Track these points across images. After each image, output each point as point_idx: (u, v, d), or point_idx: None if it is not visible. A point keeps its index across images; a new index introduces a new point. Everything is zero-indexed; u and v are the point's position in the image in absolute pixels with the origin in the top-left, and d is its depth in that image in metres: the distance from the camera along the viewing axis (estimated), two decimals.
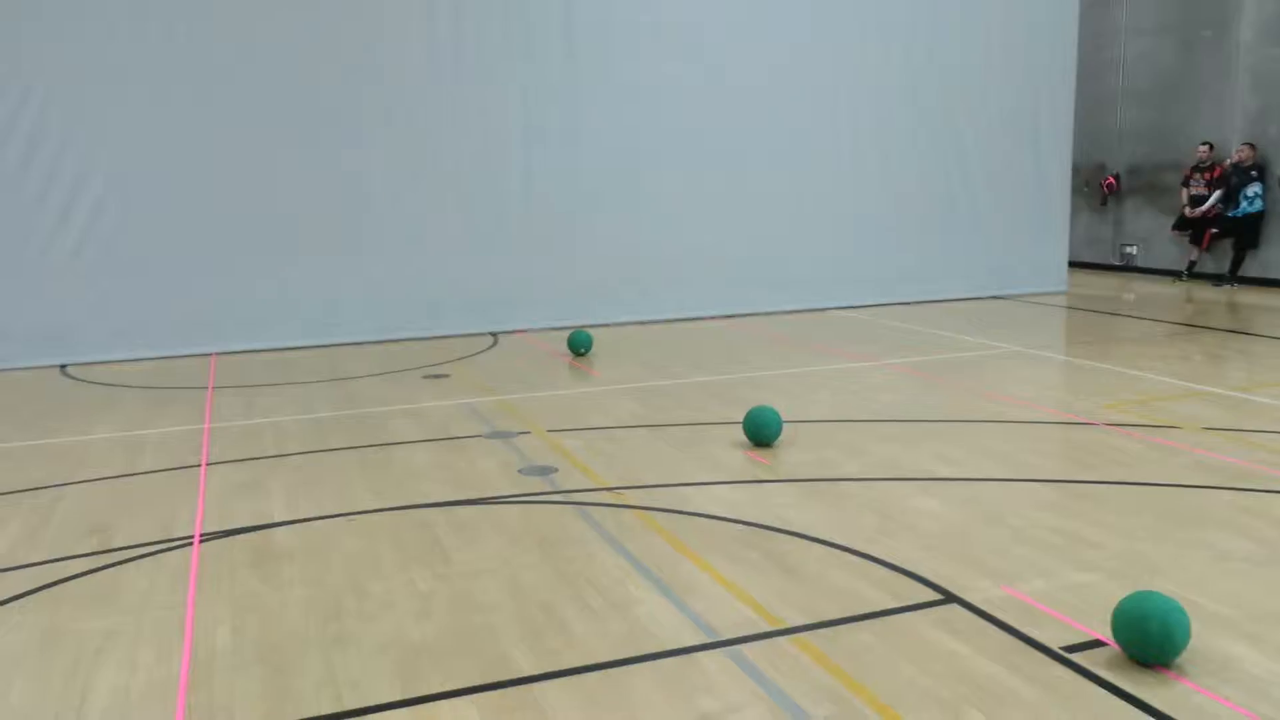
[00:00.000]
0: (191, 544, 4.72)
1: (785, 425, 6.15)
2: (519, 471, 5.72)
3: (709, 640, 3.62)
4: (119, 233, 9.41)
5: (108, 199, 9.35)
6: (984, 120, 12.51)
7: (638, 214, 11.11)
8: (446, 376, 8.50)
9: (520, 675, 3.41)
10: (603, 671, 3.43)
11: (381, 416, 7.12)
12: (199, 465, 6.02)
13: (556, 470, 5.72)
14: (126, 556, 4.59)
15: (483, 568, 4.34)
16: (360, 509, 5.15)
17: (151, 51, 9.33)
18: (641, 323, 11.13)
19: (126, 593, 4.20)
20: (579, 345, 9.22)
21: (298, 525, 4.94)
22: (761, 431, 6.05)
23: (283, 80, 9.75)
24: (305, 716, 3.20)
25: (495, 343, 10.20)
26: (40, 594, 4.21)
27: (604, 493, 5.30)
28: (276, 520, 5.01)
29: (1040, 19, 12.65)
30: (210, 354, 9.72)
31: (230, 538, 4.79)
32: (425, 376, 8.52)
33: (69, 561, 4.55)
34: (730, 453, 6.01)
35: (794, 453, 5.96)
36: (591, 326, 10.12)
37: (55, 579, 4.35)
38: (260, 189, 9.77)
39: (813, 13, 11.59)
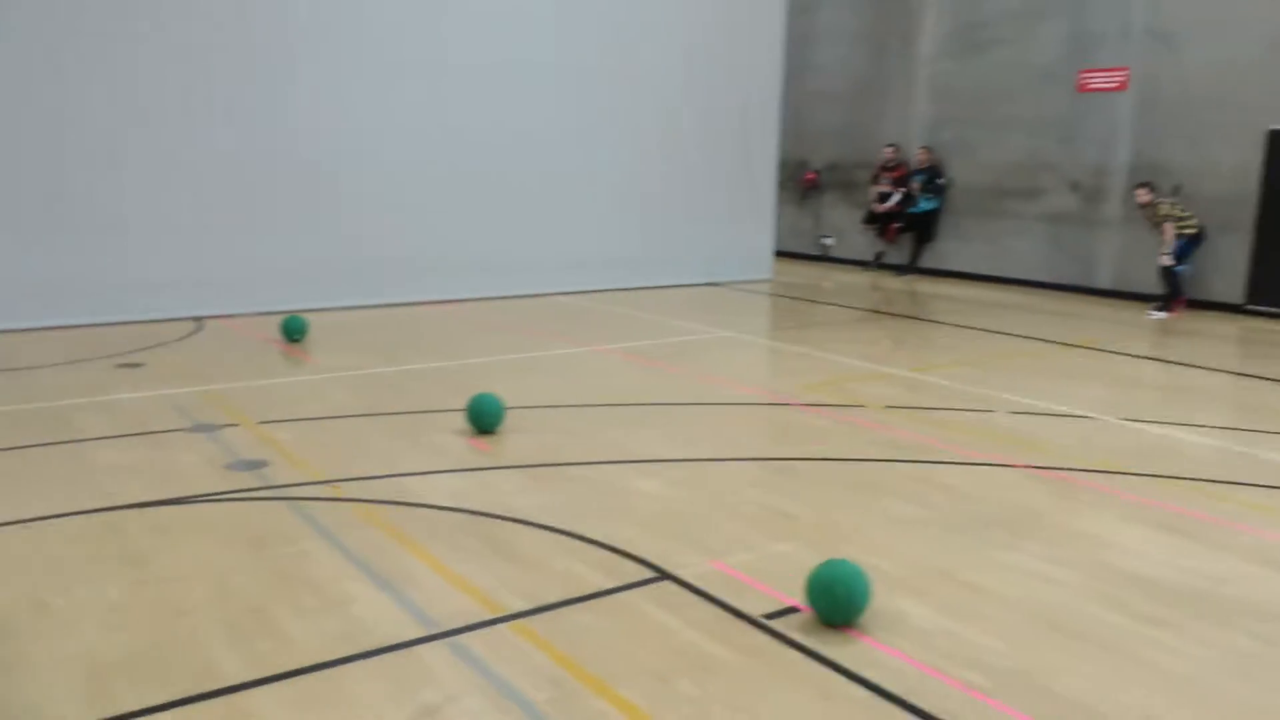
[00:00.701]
0: None
1: (508, 411, 6.19)
2: (226, 467, 5.40)
3: (429, 632, 3.60)
4: None
5: None
6: (700, 117, 13.11)
7: (358, 195, 10.72)
8: (142, 365, 7.85)
9: (229, 684, 3.24)
10: (319, 672, 3.33)
11: (65, 410, 6.47)
12: None
13: (268, 464, 5.45)
14: None
15: (185, 572, 4.08)
16: (39, 515, 4.66)
17: None
18: (360, 308, 10.79)
19: None
20: (293, 331, 8.79)
21: None
22: (484, 418, 6.06)
23: None
24: None
25: (199, 328, 9.53)
26: None
27: (319, 486, 5.11)
28: None
29: (750, 23, 13.41)
30: None
31: None
32: (117, 366, 7.83)
33: None
34: (452, 440, 5.97)
35: (517, 439, 6.02)
36: (307, 311, 9.69)
37: None
38: None
39: (537, 10, 11.67)
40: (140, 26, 9.41)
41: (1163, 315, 11.15)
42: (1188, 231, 11.13)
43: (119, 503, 4.83)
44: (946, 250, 14.53)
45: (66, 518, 4.64)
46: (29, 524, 4.55)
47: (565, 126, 12.08)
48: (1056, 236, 13.19)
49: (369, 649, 3.48)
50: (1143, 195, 11.38)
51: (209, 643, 3.51)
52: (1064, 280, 13.07)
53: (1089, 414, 6.84)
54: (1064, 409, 6.95)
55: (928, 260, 14.67)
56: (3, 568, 4.09)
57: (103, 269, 9.48)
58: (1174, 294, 11.33)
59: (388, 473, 5.35)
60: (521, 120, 11.72)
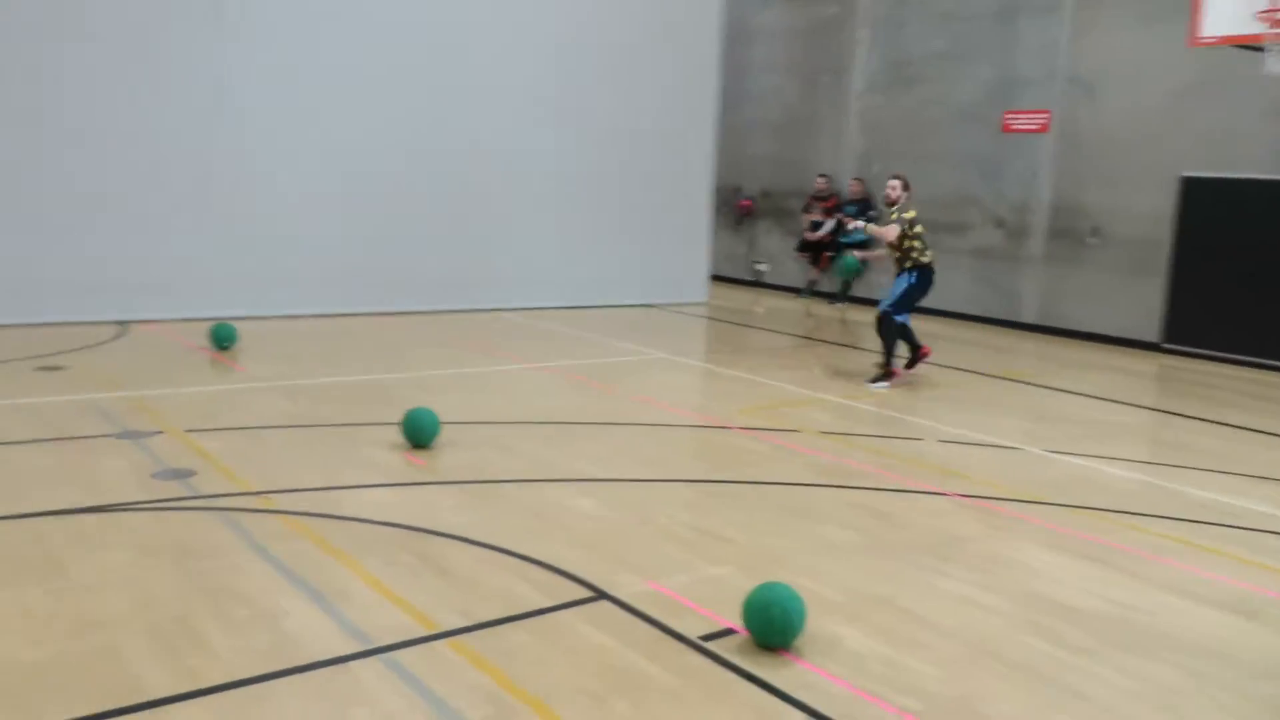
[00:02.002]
0: None
1: (444, 426, 6.14)
2: (153, 476, 5.25)
3: (363, 648, 3.54)
4: None
5: None
6: (640, 141, 13.23)
7: (293, 203, 10.58)
8: (64, 369, 7.61)
9: (153, 698, 3.15)
10: (247, 687, 3.25)
11: None
12: None
13: (195, 473, 5.32)
14: None
15: (108, 582, 3.95)
16: None
17: None
18: (293, 317, 10.60)
19: None
20: (222, 338, 8.60)
21: None
22: (419, 433, 5.99)
23: None
24: None
25: (122, 333, 9.27)
26: None
27: (249, 497, 5.01)
28: None
29: (687, 52, 13.58)
30: None
31: None
32: (37, 369, 7.57)
33: None
34: (387, 454, 5.89)
35: (452, 454, 5.96)
36: (237, 319, 9.48)
37: None
38: None
39: (487, 38, 11.70)
40: (88, 26, 9.19)
41: (885, 386, 8.73)
42: (923, 260, 8.65)
43: (39, 509, 4.67)
44: (877, 281, 14.80)
45: None
46: None
47: (512, 148, 12.09)
48: (983, 271, 13.54)
49: (300, 664, 3.41)
50: (894, 190, 8.68)
51: (132, 655, 3.40)
52: (990, 314, 13.41)
53: (1014, 445, 7.02)
54: (990, 439, 7.12)
55: (859, 290, 14.92)
56: None
57: (22, 268, 9.19)
58: (890, 353, 8.86)
59: (320, 485, 5.26)
60: (469, 140, 11.71)
